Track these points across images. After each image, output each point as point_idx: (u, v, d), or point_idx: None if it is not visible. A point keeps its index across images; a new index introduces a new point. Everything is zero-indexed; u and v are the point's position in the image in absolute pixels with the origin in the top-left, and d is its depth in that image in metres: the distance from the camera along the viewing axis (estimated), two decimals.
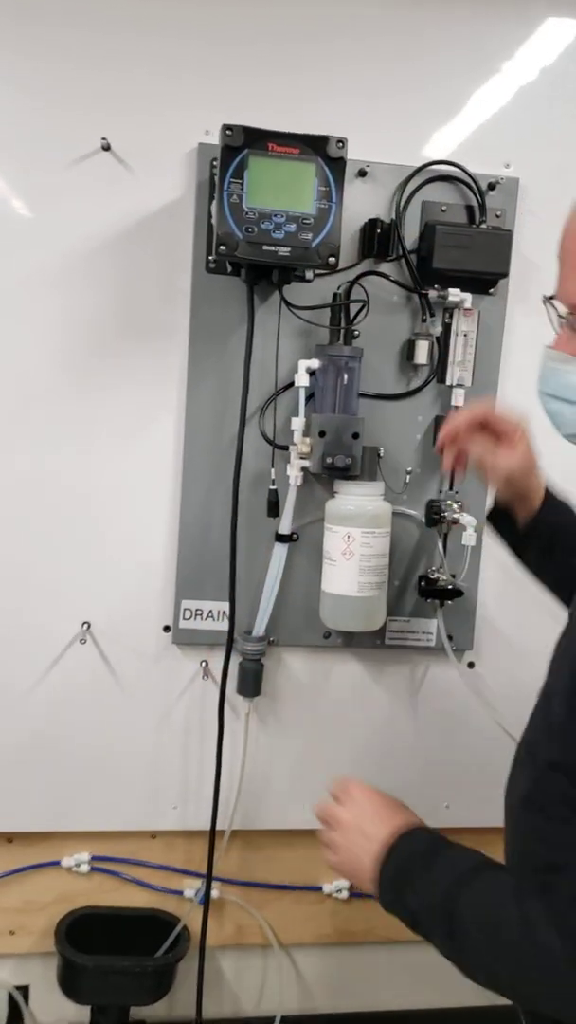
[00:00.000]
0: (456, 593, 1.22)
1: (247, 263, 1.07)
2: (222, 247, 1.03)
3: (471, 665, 1.31)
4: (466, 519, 1.18)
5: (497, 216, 1.21)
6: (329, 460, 1.13)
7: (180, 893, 1.31)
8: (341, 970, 1.39)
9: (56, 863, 1.28)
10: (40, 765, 1.23)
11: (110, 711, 1.24)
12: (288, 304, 1.14)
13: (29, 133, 1.11)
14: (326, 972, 1.38)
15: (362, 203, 1.17)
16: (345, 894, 1.34)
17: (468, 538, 1.17)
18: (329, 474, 1.16)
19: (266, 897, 1.34)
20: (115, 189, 1.14)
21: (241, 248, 1.02)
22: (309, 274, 1.16)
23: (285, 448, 1.18)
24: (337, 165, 1.03)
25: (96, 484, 1.19)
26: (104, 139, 1.11)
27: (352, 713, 1.29)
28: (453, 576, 1.23)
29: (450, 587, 1.22)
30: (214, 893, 1.31)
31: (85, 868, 1.28)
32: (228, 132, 1.00)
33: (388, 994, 1.40)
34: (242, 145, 1.01)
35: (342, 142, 1.03)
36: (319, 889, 1.35)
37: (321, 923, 1.36)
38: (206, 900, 1.25)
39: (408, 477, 1.23)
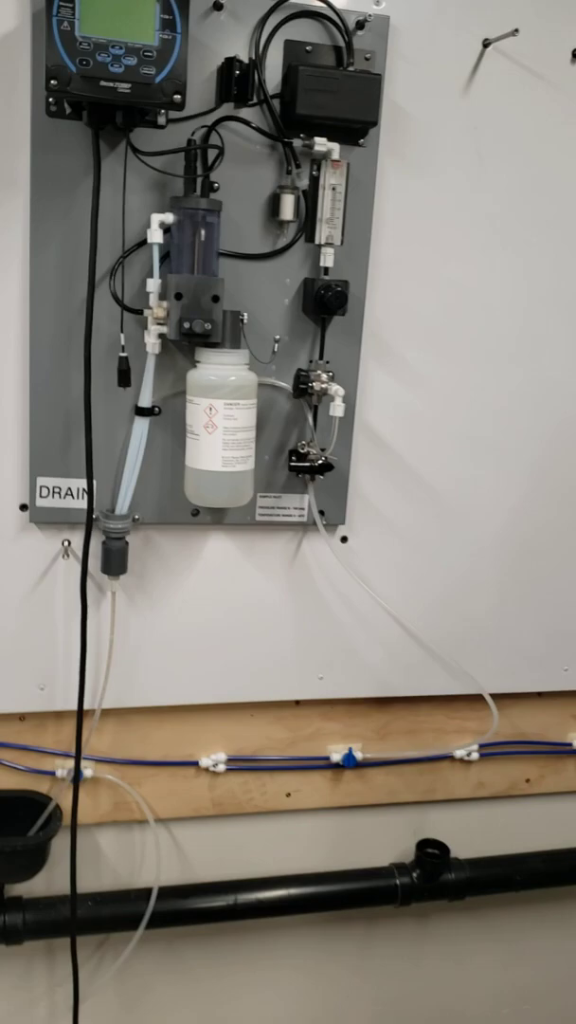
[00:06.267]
0: (326, 467, 1.19)
1: (84, 101, 0.96)
2: (53, 81, 0.92)
3: (344, 540, 1.29)
4: (334, 388, 1.13)
5: (367, 59, 1.12)
6: (186, 325, 1.06)
7: (52, 774, 1.29)
8: (218, 841, 1.40)
9: None
10: None
11: None
12: (135, 150, 1.04)
13: None
14: (204, 844, 1.40)
15: (220, 41, 1.07)
16: (222, 767, 1.35)
17: (336, 409, 1.13)
18: (187, 340, 1.09)
19: (141, 774, 1.33)
20: None
21: (75, 83, 0.92)
22: (161, 119, 1.06)
23: (139, 312, 1.10)
24: None
25: None
26: None
27: (225, 589, 1.26)
28: (323, 450, 1.19)
29: (320, 462, 1.19)
30: (89, 772, 1.30)
31: None
32: None
33: (265, 861, 1.42)
34: None
35: None
36: (195, 764, 1.34)
37: (198, 797, 1.36)
38: (76, 776, 1.24)
39: (276, 346, 1.17)
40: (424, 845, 1.45)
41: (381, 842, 1.46)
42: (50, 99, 1.03)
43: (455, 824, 1.48)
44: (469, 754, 1.44)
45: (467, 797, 1.48)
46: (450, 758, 1.44)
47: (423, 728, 1.42)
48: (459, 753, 1.44)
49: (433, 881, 1.43)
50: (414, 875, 1.43)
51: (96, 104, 0.97)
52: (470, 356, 1.25)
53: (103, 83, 0.93)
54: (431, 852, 1.44)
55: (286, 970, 1.52)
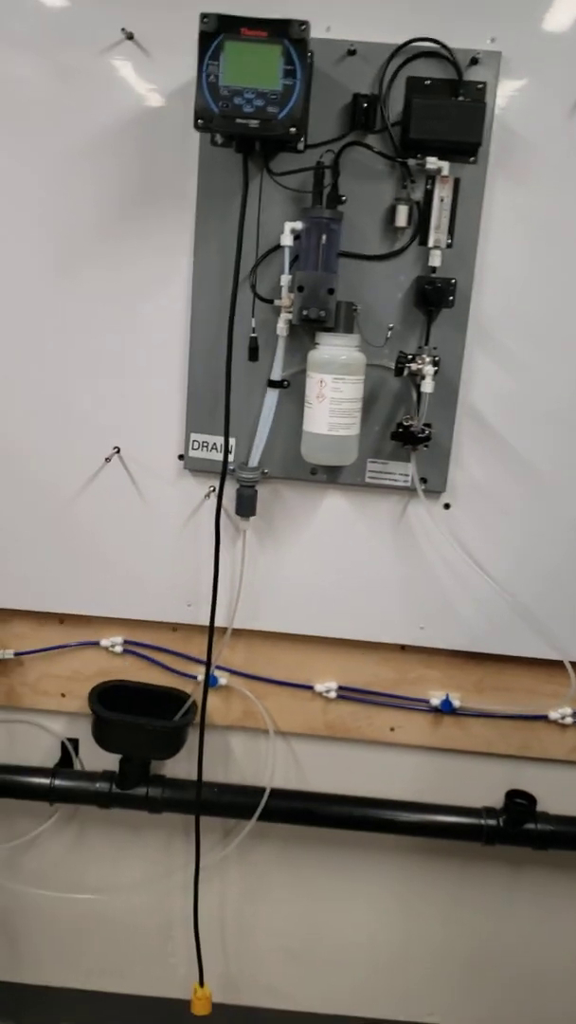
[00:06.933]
0: (423, 439, 1.38)
1: (222, 133, 1.24)
2: (200, 120, 1.20)
3: (447, 506, 1.47)
4: (427, 369, 1.33)
5: (479, 89, 1.30)
6: (305, 312, 1.31)
7: (194, 677, 1.59)
8: (328, 759, 1.63)
9: (96, 643, 1.59)
10: (84, 560, 1.53)
11: (138, 522, 1.51)
12: (269, 172, 1.31)
13: (64, 25, 1.32)
14: (315, 759, 1.63)
15: (352, 80, 1.30)
16: (333, 694, 1.58)
17: (426, 386, 1.33)
18: (306, 325, 1.33)
19: (266, 689, 1.59)
20: (138, 73, 1.33)
21: (216, 121, 1.20)
22: (300, 145, 1.31)
23: (269, 301, 1.36)
24: (300, 46, 1.17)
25: (122, 328, 1.43)
26: (125, 29, 1.30)
27: (338, 539, 1.49)
28: (428, 425, 1.39)
29: (420, 434, 1.38)
30: (223, 680, 1.58)
31: (119, 649, 1.59)
32: (204, 20, 1.17)
33: (366, 784, 1.63)
34: (217, 31, 1.17)
35: (304, 25, 1.17)
36: (311, 688, 1.58)
37: (313, 717, 1.60)
38: (205, 680, 1.52)
39: (389, 333, 1.39)
40: (513, 795, 1.59)
41: (473, 787, 1.62)
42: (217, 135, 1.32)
43: (547, 782, 1.61)
44: (564, 718, 1.56)
45: (561, 759, 1.59)
46: (545, 719, 1.57)
47: (519, 687, 1.56)
48: (554, 716, 1.56)
49: (518, 827, 1.57)
50: (500, 820, 1.58)
51: (235, 135, 1.24)
52: (570, 348, 1.39)
53: (237, 120, 1.20)
54: (518, 801, 1.57)
55: (385, 889, 1.72)
